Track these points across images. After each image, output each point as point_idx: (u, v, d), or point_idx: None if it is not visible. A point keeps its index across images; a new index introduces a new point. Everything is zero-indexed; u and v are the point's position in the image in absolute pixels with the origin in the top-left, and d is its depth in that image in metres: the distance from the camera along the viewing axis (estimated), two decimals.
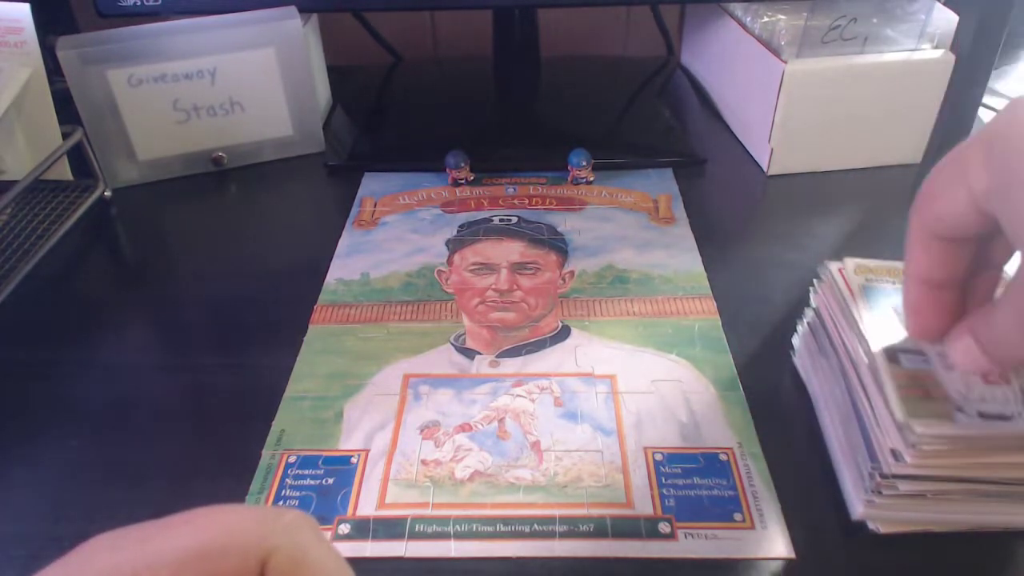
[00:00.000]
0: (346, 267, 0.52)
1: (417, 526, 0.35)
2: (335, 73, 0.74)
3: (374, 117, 0.74)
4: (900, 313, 0.36)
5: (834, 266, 0.39)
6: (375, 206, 0.59)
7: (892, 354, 0.33)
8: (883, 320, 0.35)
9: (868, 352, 0.34)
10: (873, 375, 0.33)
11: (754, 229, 0.56)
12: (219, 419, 0.42)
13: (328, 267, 0.52)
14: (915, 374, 0.32)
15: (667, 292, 0.49)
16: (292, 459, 0.38)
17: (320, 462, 0.38)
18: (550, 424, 0.40)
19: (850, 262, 0.39)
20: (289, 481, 0.37)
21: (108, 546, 0.17)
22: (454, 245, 0.54)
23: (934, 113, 0.60)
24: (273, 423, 0.40)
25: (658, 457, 0.38)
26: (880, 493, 0.32)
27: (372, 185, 0.62)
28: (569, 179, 0.61)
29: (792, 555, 0.33)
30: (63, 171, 0.59)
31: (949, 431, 0.30)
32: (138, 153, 0.62)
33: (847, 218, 0.56)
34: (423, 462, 0.38)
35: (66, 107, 0.58)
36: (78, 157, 0.59)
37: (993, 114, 0.62)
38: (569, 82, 0.78)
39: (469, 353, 0.45)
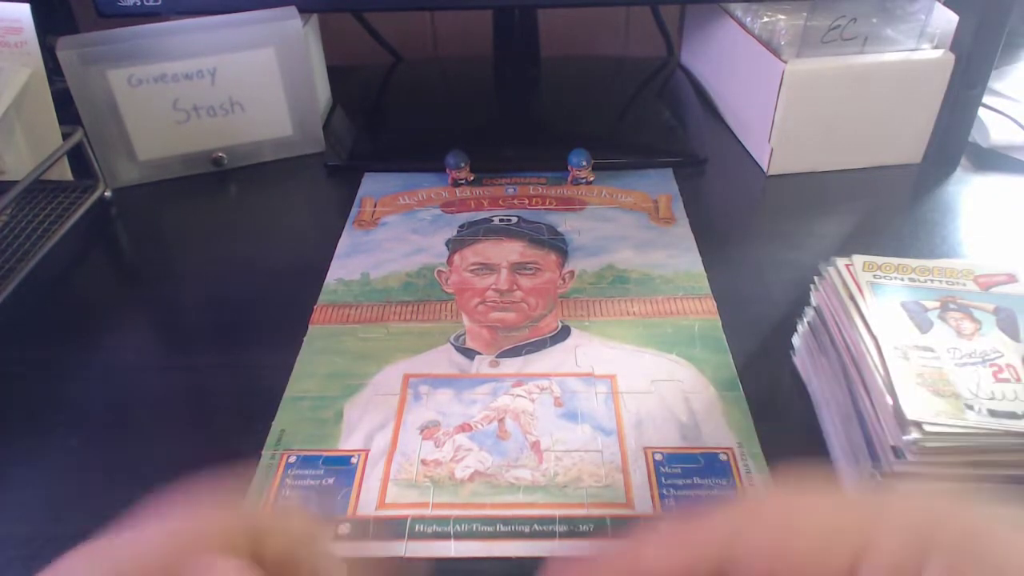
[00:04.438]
0: (346, 267, 0.52)
1: (417, 526, 0.35)
2: (335, 73, 0.74)
3: (374, 117, 0.74)
4: (909, 310, 0.36)
5: (841, 262, 0.39)
6: (375, 206, 0.59)
7: (901, 350, 0.33)
8: (891, 316, 0.35)
9: (877, 347, 0.34)
10: (880, 371, 0.33)
11: (754, 229, 0.56)
12: (219, 419, 0.42)
13: (328, 267, 0.52)
14: (924, 371, 0.32)
15: (667, 292, 0.49)
16: (292, 459, 0.38)
17: (320, 462, 0.38)
18: (550, 424, 0.40)
19: (858, 259, 0.39)
20: (289, 481, 0.37)
21: (84, 560, 0.18)
22: (454, 245, 0.54)
23: (934, 113, 0.60)
24: (273, 423, 0.40)
25: (658, 457, 0.38)
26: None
27: (372, 185, 0.62)
28: (569, 179, 0.61)
29: None
30: (63, 171, 0.59)
31: (959, 428, 0.30)
32: (138, 153, 0.62)
33: (847, 218, 0.56)
34: (423, 462, 0.38)
35: (66, 107, 0.58)
36: (78, 157, 0.59)
37: (993, 114, 0.63)
38: (569, 82, 0.78)
39: (469, 353, 0.45)
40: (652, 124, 0.69)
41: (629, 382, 0.42)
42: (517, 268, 0.51)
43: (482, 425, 0.40)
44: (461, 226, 0.56)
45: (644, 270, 0.51)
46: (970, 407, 0.31)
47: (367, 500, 0.36)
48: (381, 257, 0.53)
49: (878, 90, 0.58)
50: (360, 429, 0.40)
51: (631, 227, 0.56)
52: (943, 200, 0.58)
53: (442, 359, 0.44)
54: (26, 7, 0.54)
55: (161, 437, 0.41)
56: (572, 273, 0.51)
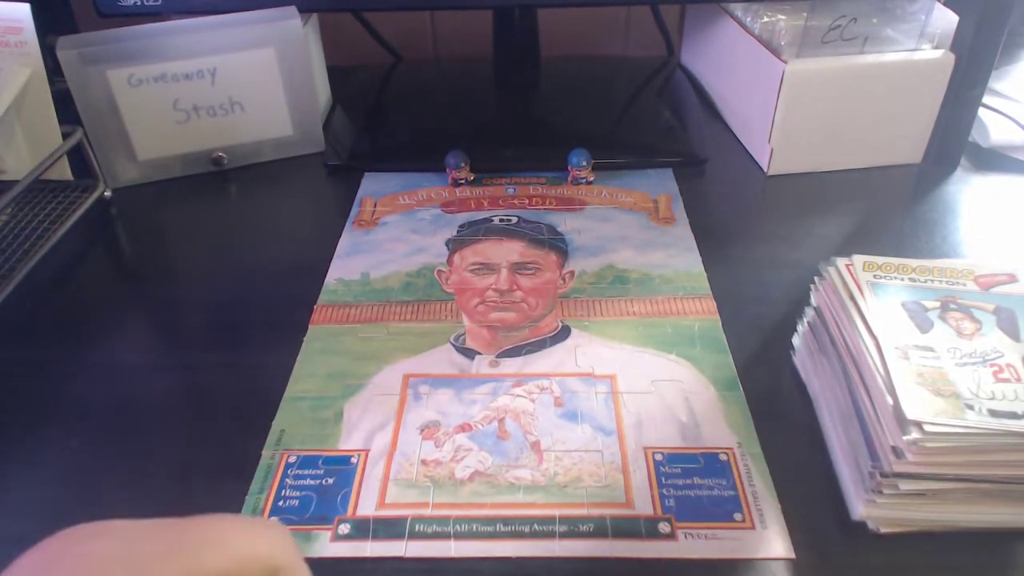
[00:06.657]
0: (346, 267, 0.52)
1: (417, 526, 0.35)
2: (335, 73, 0.74)
3: (374, 117, 0.74)
4: (909, 310, 0.36)
5: (842, 262, 0.39)
6: (375, 206, 0.59)
7: (901, 350, 0.33)
8: (892, 316, 0.35)
9: (877, 347, 0.34)
10: (880, 371, 0.33)
11: (754, 229, 0.56)
12: (219, 419, 0.42)
13: (328, 267, 0.52)
14: (924, 371, 0.32)
15: (667, 292, 0.49)
16: (292, 459, 0.38)
17: (320, 462, 0.38)
18: (550, 424, 0.40)
19: (858, 259, 0.39)
20: (289, 481, 0.37)
21: (92, 534, 0.18)
22: (454, 245, 0.54)
23: (934, 113, 0.60)
24: (273, 423, 0.40)
25: (658, 457, 0.38)
26: (881, 492, 0.32)
27: (372, 185, 0.62)
28: (569, 179, 0.61)
29: (792, 555, 0.33)
30: (63, 171, 0.59)
31: (960, 428, 0.30)
32: (138, 153, 0.62)
33: (847, 218, 0.56)
34: (423, 462, 0.38)
35: (66, 107, 0.58)
36: (78, 157, 0.59)
37: (993, 114, 0.63)
38: (569, 82, 0.77)
39: (469, 353, 0.45)
40: (652, 124, 0.69)
41: (629, 382, 0.42)
42: (517, 268, 0.51)
43: (482, 425, 0.40)
44: (461, 226, 0.56)
45: (644, 270, 0.51)
46: (970, 407, 0.31)
47: (367, 500, 0.36)
48: (381, 257, 0.53)
49: (878, 90, 0.58)
50: (360, 429, 0.40)
51: (631, 227, 0.56)
52: (943, 200, 0.58)
53: (442, 359, 0.44)
54: (26, 7, 0.54)
55: (161, 437, 0.41)
56: (572, 273, 0.51)
